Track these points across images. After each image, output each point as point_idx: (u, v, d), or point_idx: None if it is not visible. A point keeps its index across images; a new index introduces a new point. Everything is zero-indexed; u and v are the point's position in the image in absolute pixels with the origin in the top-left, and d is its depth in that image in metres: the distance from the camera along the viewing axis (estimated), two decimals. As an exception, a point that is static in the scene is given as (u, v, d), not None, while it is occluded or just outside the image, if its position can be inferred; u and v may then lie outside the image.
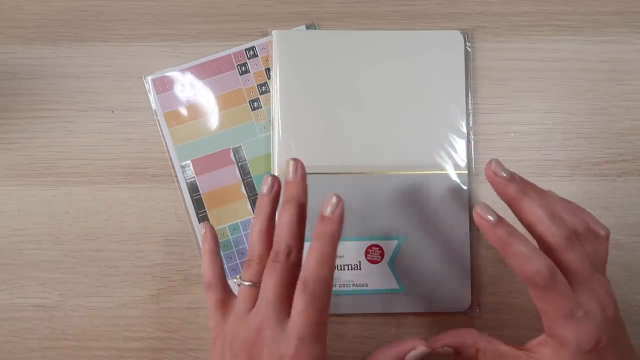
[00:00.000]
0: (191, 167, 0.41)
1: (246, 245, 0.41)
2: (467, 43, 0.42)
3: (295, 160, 0.31)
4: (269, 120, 0.41)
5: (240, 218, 0.41)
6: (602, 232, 0.32)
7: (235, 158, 0.41)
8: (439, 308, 0.40)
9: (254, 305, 0.30)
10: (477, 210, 0.29)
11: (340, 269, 0.40)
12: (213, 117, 0.42)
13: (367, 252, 0.40)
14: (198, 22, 0.42)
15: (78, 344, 0.40)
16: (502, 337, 0.31)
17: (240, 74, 0.42)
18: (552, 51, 0.43)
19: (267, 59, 0.42)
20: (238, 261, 0.41)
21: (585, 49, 0.43)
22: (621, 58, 0.42)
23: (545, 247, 0.29)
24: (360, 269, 0.40)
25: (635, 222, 0.41)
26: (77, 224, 0.41)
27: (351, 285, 0.40)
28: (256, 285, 0.31)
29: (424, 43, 0.42)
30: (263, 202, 0.32)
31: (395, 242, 0.40)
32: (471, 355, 0.32)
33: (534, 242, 0.30)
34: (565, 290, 0.28)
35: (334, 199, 0.29)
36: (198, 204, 0.41)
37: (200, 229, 0.40)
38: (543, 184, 0.41)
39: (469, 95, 0.42)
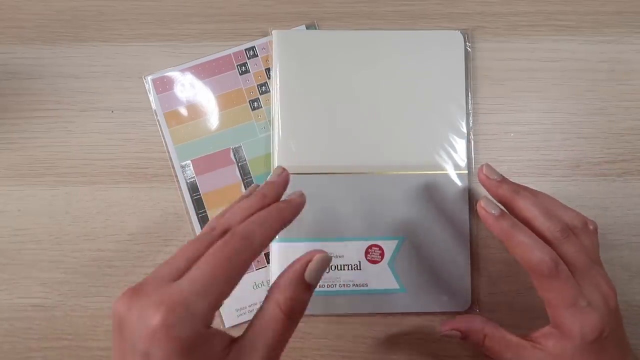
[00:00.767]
0: (191, 167, 0.41)
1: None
2: (467, 43, 0.42)
3: (283, 168, 0.31)
4: (269, 120, 0.41)
5: (240, 218, 0.41)
6: (591, 227, 0.33)
7: (235, 158, 0.41)
8: (439, 308, 0.40)
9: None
10: (481, 204, 0.31)
11: (340, 269, 0.40)
12: (213, 117, 0.42)
13: (367, 252, 0.40)
14: (198, 22, 0.42)
15: (78, 344, 0.40)
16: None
17: (240, 74, 0.42)
18: (552, 51, 0.43)
19: (267, 59, 0.42)
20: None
21: (584, 49, 0.43)
22: (620, 58, 0.43)
23: None
24: (360, 269, 0.40)
25: (635, 222, 0.41)
26: (77, 224, 0.41)
27: (351, 285, 0.40)
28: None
29: (423, 43, 0.42)
30: (239, 198, 0.31)
31: (395, 242, 0.40)
32: (478, 340, 0.33)
33: None
34: (569, 279, 0.29)
35: (298, 192, 0.29)
36: (198, 204, 0.41)
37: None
38: (543, 184, 0.41)
39: (469, 95, 0.42)
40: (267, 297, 0.26)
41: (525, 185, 0.35)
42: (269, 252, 0.40)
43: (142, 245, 0.41)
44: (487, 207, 0.31)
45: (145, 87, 0.42)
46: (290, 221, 0.28)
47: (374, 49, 0.41)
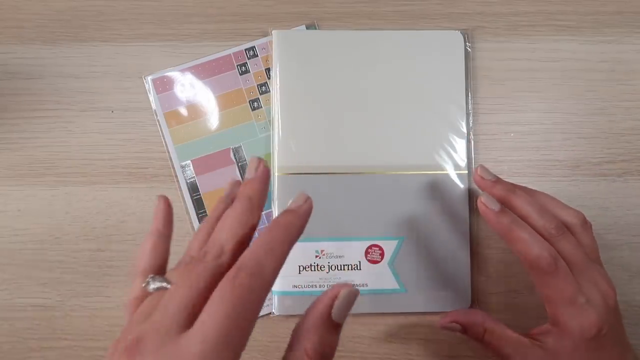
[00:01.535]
0: (191, 167, 0.41)
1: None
2: (467, 43, 0.42)
3: (259, 158, 0.27)
4: (269, 120, 0.41)
5: (240, 218, 0.41)
6: (587, 225, 0.34)
7: (235, 158, 0.41)
8: (439, 308, 0.40)
9: None
10: (482, 200, 0.32)
11: (340, 269, 0.40)
12: (213, 117, 0.42)
13: (367, 252, 0.40)
14: (198, 22, 0.42)
15: (78, 344, 0.40)
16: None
17: (240, 74, 0.42)
18: (552, 51, 0.43)
19: (267, 59, 0.42)
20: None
21: (584, 49, 0.43)
22: (621, 58, 0.43)
23: None
24: (360, 269, 0.40)
25: (635, 222, 0.41)
26: (77, 224, 0.41)
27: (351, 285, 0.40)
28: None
29: (424, 43, 0.42)
30: (217, 203, 0.27)
31: (395, 242, 0.40)
32: (478, 334, 0.33)
33: None
34: (567, 276, 0.29)
35: (302, 197, 0.25)
36: (198, 204, 0.41)
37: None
38: (543, 184, 0.41)
39: (469, 95, 0.42)
40: (293, 340, 0.23)
41: (525, 185, 0.35)
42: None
43: (142, 245, 0.41)
44: (488, 203, 0.31)
45: (145, 87, 0.42)
46: (299, 235, 0.24)
47: (374, 49, 0.41)
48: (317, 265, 0.40)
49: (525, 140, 0.42)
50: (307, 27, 0.42)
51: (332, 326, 0.23)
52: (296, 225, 0.24)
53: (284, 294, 0.39)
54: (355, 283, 0.40)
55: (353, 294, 0.23)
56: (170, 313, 0.21)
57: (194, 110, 0.42)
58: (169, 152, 0.41)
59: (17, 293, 0.40)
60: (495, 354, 0.32)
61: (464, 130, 0.41)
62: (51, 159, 0.41)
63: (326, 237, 0.40)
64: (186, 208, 0.41)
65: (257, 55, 0.42)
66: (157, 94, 0.42)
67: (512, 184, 0.34)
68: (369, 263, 0.40)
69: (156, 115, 0.42)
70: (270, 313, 0.39)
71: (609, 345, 0.30)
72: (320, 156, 0.40)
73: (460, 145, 0.41)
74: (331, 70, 0.41)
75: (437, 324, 0.35)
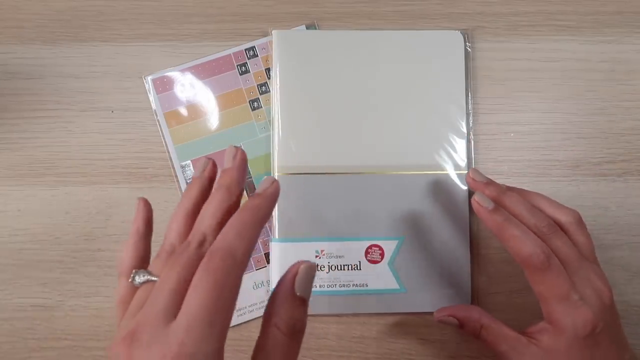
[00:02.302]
0: (191, 167, 0.41)
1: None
2: (467, 43, 0.42)
3: (236, 147, 0.28)
4: (269, 120, 0.41)
5: (240, 218, 0.41)
6: (582, 224, 0.34)
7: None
8: (439, 308, 0.40)
9: None
10: (476, 199, 0.32)
11: (340, 269, 0.40)
12: (213, 117, 0.42)
13: (367, 252, 0.40)
14: (198, 22, 0.42)
15: (78, 344, 0.40)
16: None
17: (240, 74, 0.42)
18: (552, 51, 0.43)
19: (267, 59, 0.42)
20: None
21: (584, 49, 0.43)
22: (621, 58, 0.43)
23: None
24: (360, 269, 0.40)
25: (635, 222, 0.41)
26: (77, 224, 0.41)
27: (351, 285, 0.40)
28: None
29: (424, 43, 0.42)
30: (191, 185, 0.28)
31: (395, 242, 0.40)
32: (474, 330, 0.33)
33: None
34: (560, 273, 0.30)
35: (269, 180, 0.26)
36: (198, 204, 0.41)
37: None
38: (543, 184, 0.41)
39: (469, 95, 0.42)
40: (264, 322, 0.24)
41: (525, 185, 0.35)
42: (268, 252, 0.40)
43: (142, 245, 0.41)
44: (482, 201, 0.32)
45: (145, 87, 0.42)
46: (268, 217, 0.25)
47: (374, 49, 0.41)
48: (317, 266, 0.40)
49: (525, 140, 0.42)
50: (307, 27, 0.42)
51: (299, 301, 0.24)
52: (263, 207, 0.25)
53: (284, 294, 0.39)
54: (355, 283, 0.40)
55: (311, 268, 0.25)
56: (160, 304, 0.22)
57: (194, 110, 0.42)
58: (169, 152, 0.41)
59: (17, 293, 0.40)
60: (492, 351, 0.32)
61: (464, 130, 0.41)
62: (51, 159, 0.41)
63: (326, 237, 0.40)
64: (186, 208, 0.41)
65: (257, 55, 0.42)
66: (157, 94, 0.42)
67: (503, 186, 0.35)
68: (369, 263, 0.40)
69: (156, 115, 0.42)
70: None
71: (605, 343, 0.30)
72: (320, 156, 0.40)
73: (460, 145, 0.41)
74: (331, 70, 0.41)
75: (433, 319, 0.35)
